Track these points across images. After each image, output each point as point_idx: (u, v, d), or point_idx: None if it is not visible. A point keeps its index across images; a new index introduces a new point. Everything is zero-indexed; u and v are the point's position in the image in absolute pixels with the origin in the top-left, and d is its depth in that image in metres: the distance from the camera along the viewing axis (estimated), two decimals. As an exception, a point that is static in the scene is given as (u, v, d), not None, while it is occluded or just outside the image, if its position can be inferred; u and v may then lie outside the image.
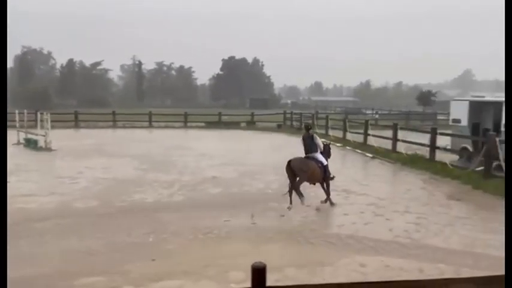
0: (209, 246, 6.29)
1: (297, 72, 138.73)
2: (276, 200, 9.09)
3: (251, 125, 30.54)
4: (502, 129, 12.28)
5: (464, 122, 14.01)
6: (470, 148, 13.42)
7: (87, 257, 5.85)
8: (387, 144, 15.85)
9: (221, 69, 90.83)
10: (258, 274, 2.43)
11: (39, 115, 19.23)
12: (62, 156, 15.40)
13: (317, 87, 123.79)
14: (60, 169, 12.93)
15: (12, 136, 15.80)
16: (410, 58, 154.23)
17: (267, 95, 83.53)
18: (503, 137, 11.71)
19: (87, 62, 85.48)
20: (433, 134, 13.53)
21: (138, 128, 28.34)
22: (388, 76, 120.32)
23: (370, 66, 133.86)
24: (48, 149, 16.83)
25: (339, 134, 20.65)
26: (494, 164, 10.74)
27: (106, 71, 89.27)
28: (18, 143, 18.11)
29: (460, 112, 14.31)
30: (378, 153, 15.48)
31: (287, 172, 8.57)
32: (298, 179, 8.45)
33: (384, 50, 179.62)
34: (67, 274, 5.27)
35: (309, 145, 8.73)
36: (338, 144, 17.75)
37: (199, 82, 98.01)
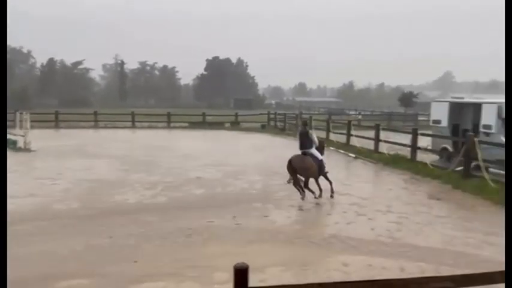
0: (192, 247, 6.25)
1: (281, 73, 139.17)
2: (260, 200, 9.11)
3: (235, 125, 30.50)
4: (481, 129, 12.59)
5: (445, 122, 14.28)
6: (450, 148, 13.70)
7: (68, 260, 5.75)
8: (369, 145, 16.04)
9: (205, 70, 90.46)
10: (241, 275, 2.43)
11: (18, 115, 18.81)
12: (42, 157, 15.10)
13: (301, 88, 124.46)
14: (40, 170, 12.68)
15: (-11, 136, 15.39)
16: (393, 59, 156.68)
17: (251, 96, 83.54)
18: (481, 137, 12.01)
19: (68, 61, 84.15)
20: (414, 134, 13.76)
21: (121, 128, 27.98)
22: (371, 77, 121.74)
23: (353, 67, 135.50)
24: (27, 149, 16.48)
25: (322, 134, 20.73)
26: (473, 164, 10.98)
27: (87, 70, 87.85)
28: (-4, 144, 17.67)
29: (440, 113, 14.58)
30: (361, 154, 15.65)
31: (288, 170, 8.95)
32: (302, 177, 8.81)
33: (370, 50, 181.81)
34: (48, 277, 5.17)
35: (305, 140, 9.16)
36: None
37: (183, 82, 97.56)
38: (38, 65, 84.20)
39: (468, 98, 14.70)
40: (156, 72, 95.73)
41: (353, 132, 17.97)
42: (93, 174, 11.90)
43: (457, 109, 14.25)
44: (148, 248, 6.22)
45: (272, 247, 6.31)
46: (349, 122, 19.38)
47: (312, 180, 9.13)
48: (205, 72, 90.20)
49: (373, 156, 15.02)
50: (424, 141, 14.26)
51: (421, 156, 13.28)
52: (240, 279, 2.46)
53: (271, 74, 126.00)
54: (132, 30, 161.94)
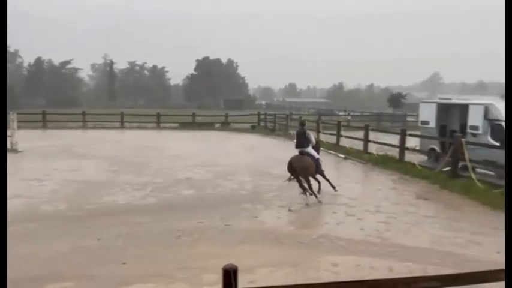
0: (182, 249, 6.23)
1: (272, 73, 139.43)
2: (250, 201, 9.11)
3: (225, 126, 30.45)
4: (468, 130, 12.76)
5: (432, 123, 14.45)
6: (438, 149, 13.86)
7: (55, 261, 5.68)
8: (359, 145, 16.15)
9: (195, 70, 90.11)
10: (229, 276, 2.43)
11: (4, 115, 18.51)
12: (29, 158, 14.91)
13: (291, 89, 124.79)
14: (27, 171, 12.51)
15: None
16: (382, 60, 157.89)
17: (242, 96, 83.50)
18: (469, 138, 12.17)
19: (56, 61, 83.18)
20: (403, 135, 13.89)
21: (110, 128, 27.73)
22: (360, 78, 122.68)
23: (343, 67, 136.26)
24: (14, 150, 16.23)
25: (312, 135, 20.86)
26: (460, 164, 11.12)
27: (76, 70, 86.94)
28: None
29: (428, 114, 14.75)
30: (350, 154, 15.74)
31: (289, 171, 9.21)
32: (302, 177, 9.05)
33: (370, 50, 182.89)
34: (35, 279, 5.11)
35: (302, 140, 9.52)
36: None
37: (172, 82, 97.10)
38: (26, 64, 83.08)
39: (455, 99, 14.88)
40: (146, 72, 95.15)
41: (342, 132, 18.07)
42: (81, 175, 11.78)
43: (444, 110, 14.43)
44: (137, 249, 6.17)
45: (262, 248, 6.32)
46: (339, 122, 19.49)
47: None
48: (195, 73, 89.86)
49: (362, 156, 15.12)
50: (412, 142, 14.41)
51: (409, 157, 13.40)
52: (228, 281, 2.46)
53: (262, 74, 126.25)
54: (131, 31, 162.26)
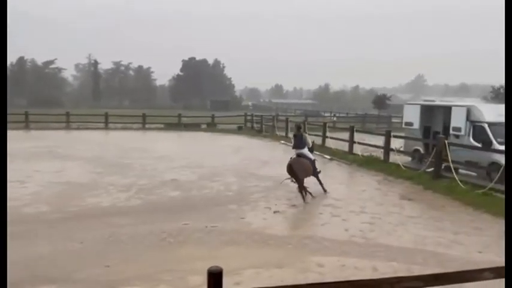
0: (167, 251, 6.18)
1: (258, 74, 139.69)
2: (236, 202, 9.10)
3: (212, 127, 30.36)
4: (451, 132, 12.98)
5: (416, 125, 14.65)
6: (421, 150, 14.06)
7: (37, 265, 5.58)
8: (344, 146, 16.28)
9: (181, 70, 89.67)
10: (214, 278, 2.42)
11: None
12: (10, 159, 14.46)
13: (277, 90, 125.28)
14: (9, 173, 12.23)
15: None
16: (370, 61, 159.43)
17: (228, 97, 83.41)
18: (451, 139, 12.38)
19: (40, 61, 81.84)
20: (387, 136, 14.06)
21: (94, 129, 27.41)
22: (346, 79, 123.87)
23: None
24: (-5, 151, 15.89)
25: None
26: (444, 165, 11.31)
27: (60, 70, 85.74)
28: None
29: (412, 115, 14.95)
30: (336, 155, 15.86)
31: (289, 173, 9.49)
32: (300, 177, 9.34)
33: (369, 50, 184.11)
34: (15, 283, 4.99)
35: (299, 142, 10.02)
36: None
37: (158, 83, 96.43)
38: (8, 63, 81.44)
39: (439, 101, 15.13)
40: (131, 72, 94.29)
41: (328, 134, 18.20)
42: (64, 177, 11.59)
43: (428, 112, 14.64)
44: (121, 252, 6.10)
45: (248, 249, 6.31)
46: (325, 124, 19.64)
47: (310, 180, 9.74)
48: (181, 73, 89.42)
49: (347, 157, 15.25)
50: (397, 143, 14.58)
51: (393, 158, 13.57)
52: (213, 283, 2.45)
53: (248, 75, 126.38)
54: (130, 32, 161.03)
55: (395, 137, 14.36)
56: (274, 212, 8.37)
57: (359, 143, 15.62)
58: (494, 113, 12.56)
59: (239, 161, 15.08)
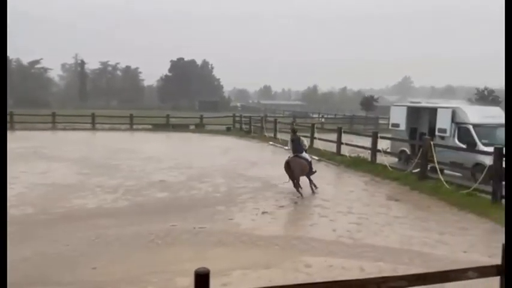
0: (154, 252, 6.15)
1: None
2: (224, 203, 9.09)
3: (200, 127, 30.26)
4: (436, 133, 13.16)
5: (403, 126, 14.82)
6: (408, 151, 14.22)
7: (22, 268, 5.48)
8: (332, 147, 16.38)
9: (169, 71, 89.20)
10: (201, 280, 2.42)
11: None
12: (-5, 160, 14.34)
13: (266, 91, 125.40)
14: (-7, 174, 12.03)
15: None
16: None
17: (217, 98, 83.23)
18: (437, 140, 12.55)
19: (25, 61, 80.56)
20: (375, 137, 14.19)
21: (81, 130, 27.10)
22: (334, 81, 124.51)
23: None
24: (-22, 152, 15.61)
25: (286, 137, 20.93)
26: (429, 166, 11.46)
27: (46, 69, 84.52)
28: None
29: (398, 117, 15.12)
30: (324, 156, 15.94)
31: (286, 171, 9.99)
32: (296, 175, 9.85)
33: (369, 50, 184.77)
34: None
35: (297, 146, 10.49)
36: (286, 147, 18.06)
37: (146, 83, 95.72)
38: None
39: (425, 103, 15.32)
40: (119, 72, 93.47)
41: (316, 135, 18.29)
42: (50, 178, 11.44)
43: (414, 113, 14.82)
44: (107, 254, 6.05)
45: (236, 250, 6.31)
46: (313, 125, 19.72)
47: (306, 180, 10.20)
48: (169, 74, 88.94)
49: (335, 158, 15.34)
50: (384, 144, 14.72)
51: (380, 159, 13.69)
52: (201, 284, 2.44)
53: (235, 76, 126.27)
54: (131, 34, 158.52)
55: (382, 138, 14.49)
56: (263, 213, 8.38)
57: (347, 144, 15.73)
58: (478, 114, 12.78)
59: (228, 161, 15.06)
